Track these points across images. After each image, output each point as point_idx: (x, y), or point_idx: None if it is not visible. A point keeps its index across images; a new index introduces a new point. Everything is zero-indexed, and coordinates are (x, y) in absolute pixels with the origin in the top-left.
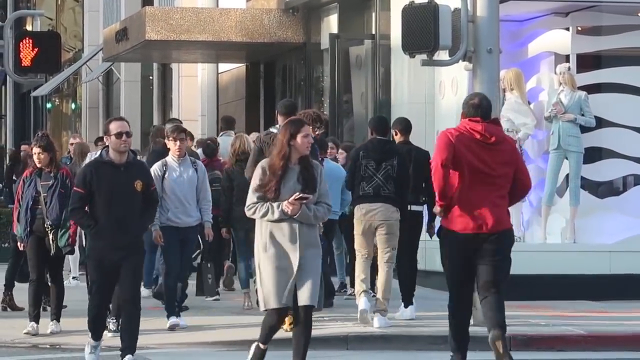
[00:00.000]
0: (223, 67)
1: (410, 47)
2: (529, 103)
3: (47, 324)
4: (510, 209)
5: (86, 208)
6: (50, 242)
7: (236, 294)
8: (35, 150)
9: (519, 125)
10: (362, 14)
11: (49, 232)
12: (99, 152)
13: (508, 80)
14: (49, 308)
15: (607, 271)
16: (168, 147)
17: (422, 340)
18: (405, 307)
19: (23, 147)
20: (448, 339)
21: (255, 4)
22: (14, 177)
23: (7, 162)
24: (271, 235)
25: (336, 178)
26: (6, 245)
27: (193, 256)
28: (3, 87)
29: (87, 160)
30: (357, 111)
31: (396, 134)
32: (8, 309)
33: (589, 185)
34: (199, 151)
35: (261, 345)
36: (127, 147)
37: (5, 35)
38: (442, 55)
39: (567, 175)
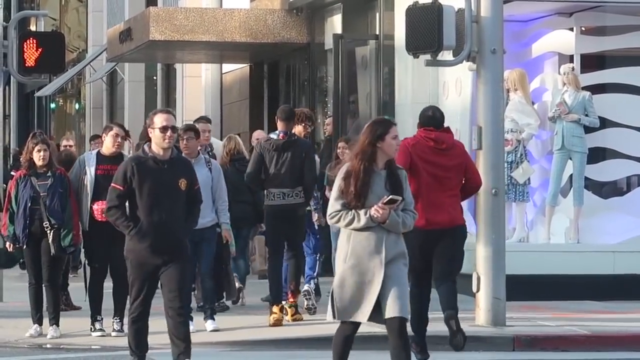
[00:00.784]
0: (227, 67)
1: (414, 47)
2: (533, 103)
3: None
4: (514, 210)
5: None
6: (50, 242)
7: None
8: (39, 147)
9: (523, 126)
10: (366, 14)
11: (48, 232)
12: (95, 151)
13: (512, 81)
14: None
15: (611, 271)
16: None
17: (430, 340)
18: None
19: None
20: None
21: (259, 4)
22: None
23: (10, 162)
24: (354, 246)
25: None
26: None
27: None
28: (7, 87)
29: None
30: (362, 111)
31: None
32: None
33: (592, 186)
34: None
35: None
36: (172, 142)
37: (9, 36)
38: (446, 55)
39: (571, 176)
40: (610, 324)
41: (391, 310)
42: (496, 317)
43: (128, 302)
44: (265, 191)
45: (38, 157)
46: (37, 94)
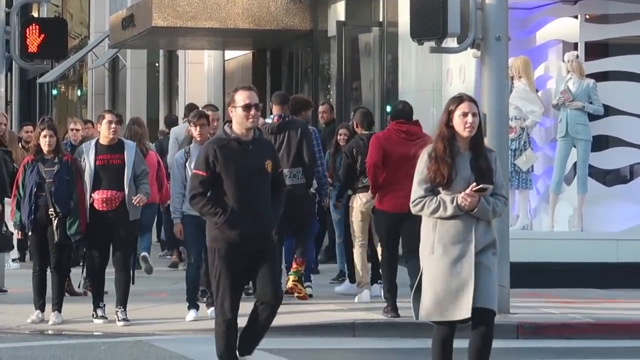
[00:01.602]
0: (229, 54)
1: (419, 34)
2: (537, 91)
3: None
4: (517, 197)
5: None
6: (54, 230)
7: None
8: (46, 133)
9: (527, 113)
10: (370, 1)
11: (53, 219)
12: (94, 141)
13: (516, 68)
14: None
15: (615, 259)
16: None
17: (430, 328)
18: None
19: (25, 127)
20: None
21: None
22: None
23: None
24: (441, 235)
25: None
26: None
27: None
28: (9, 74)
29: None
30: (365, 98)
31: (357, 126)
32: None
33: (596, 173)
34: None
35: None
36: (256, 121)
37: (12, 22)
38: (450, 42)
39: (575, 163)
40: (614, 312)
41: (479, 300)
42: (500, 304)
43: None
44: None
45: (44, 143)
46: (39, 80)
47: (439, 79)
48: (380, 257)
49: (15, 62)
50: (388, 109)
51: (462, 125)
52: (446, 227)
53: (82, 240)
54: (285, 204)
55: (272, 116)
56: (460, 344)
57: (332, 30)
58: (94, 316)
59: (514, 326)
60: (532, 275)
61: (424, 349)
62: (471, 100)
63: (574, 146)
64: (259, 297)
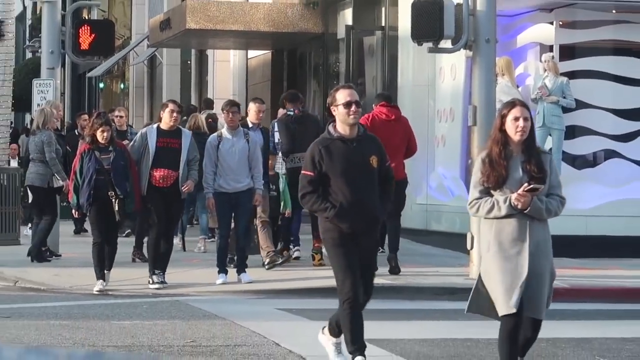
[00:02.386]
0: (252, 53)
1: (419, 36)
2: (518, 87)
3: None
4: None
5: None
6: (116, 210)
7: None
8: (103, 128)
9: None
10: (374, 8)
11: (113, 201)
12: (155, 125)
13: (500, 67)
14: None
15: (584, 233)
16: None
17: (428, 291)
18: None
19: (83, 116)
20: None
21: None
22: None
23: (65, 133)
24: (497, 234)
25: None
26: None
27: None
28: (62, 69)
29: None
30: (369, 92)
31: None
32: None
33: (568, 158)
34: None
35: None
36: (358, 118)
37: (66, 23)
38: (443, 44)
39: (550, 150)
40: (586, 279)
41: (528, 308)
42: None
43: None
44: (288, 156)
45: (101, 137)
46: (88, 74)
47: (433, 76)
48: None
49: (69, 58)
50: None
51: (513, 129)
52: (501, 226)
53: (134, 217)
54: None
55: (291, 110)
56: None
57: (341, 33)
58: (150, 282)
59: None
60: None
61: (422, 310)
62: (523, 105)
63: (550, 135)
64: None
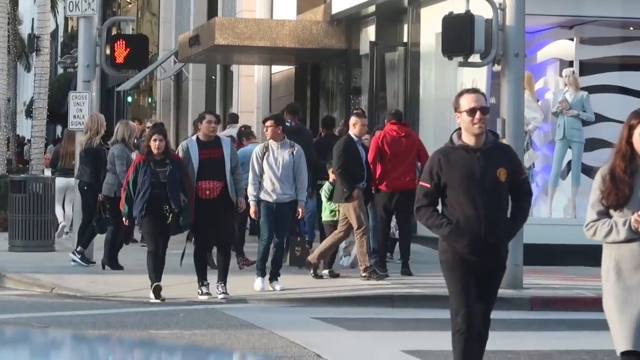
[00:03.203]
0: (275, 68)
1: (450, 50)
2: (538, 100)
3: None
4: None
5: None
6: (170, 224)
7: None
8: (156, 137)
9: (529, 119)
10: (396, 25)
11: (168, 214)
12: (194, 137)
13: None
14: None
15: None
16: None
17: None
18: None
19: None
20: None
21: (304, 16)
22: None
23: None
24: (616, 261)
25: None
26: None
27: None
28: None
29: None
30: (390, 105)
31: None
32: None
33: (588, 170)
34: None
35: None
36: (485, 126)
37: (102, 37)
38: (473, 58)
39: (570, 162)
40: None
41: None
42: (515, 281)
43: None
44: None
45: (154, 147)
46: (118, 88)
47: (454, 90)
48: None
49: (105, 70)
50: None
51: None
52: (622, 252)
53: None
54: None
55: (290, 121)
56: None
57: (363, 49)
58: (200, 293)
59: (528, 300)
60: (534, 255)
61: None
62: None
63: (570, 147)
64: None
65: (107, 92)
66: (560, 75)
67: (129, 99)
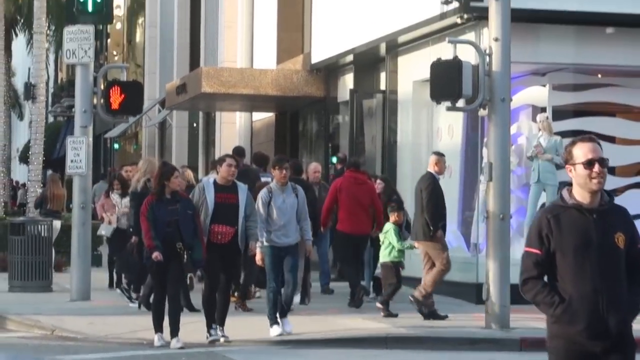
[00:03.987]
0: (256, 115)
1: (438, 95)
2: (511, 145)
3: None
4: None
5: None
6: (185, 261)
7: None
8: (176, 174)
9: None
10: (373, 73)
11: (181, 251)
12: (212, 179)
13: None
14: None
15: None
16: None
17: (450, 342)
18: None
19: (125, 167)
20: None
21: (284, 65)
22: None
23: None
24: None
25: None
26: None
27: None
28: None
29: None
30: (368, 149)
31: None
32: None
33: None
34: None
35: None
36: (603, 183)
37: (98, 84)
38: (459, 103)
39: (544, 203)
40: None
41: None
42: (502, 320)
43: None
44: None
45: (174, 184)
46: (105, 135)
47: (431, 135)
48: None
49: (101, 117)
50: (334, 159)
51: None
52: None
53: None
54: None
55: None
56: None
57: (341, 97)
58: (208, 337)
59: (517, 340)
60: (516, 294)
61: None
62: None
63: (544, 190)
64: None
65: (95, 139)
66: (533, 120)
67: (116, 145)
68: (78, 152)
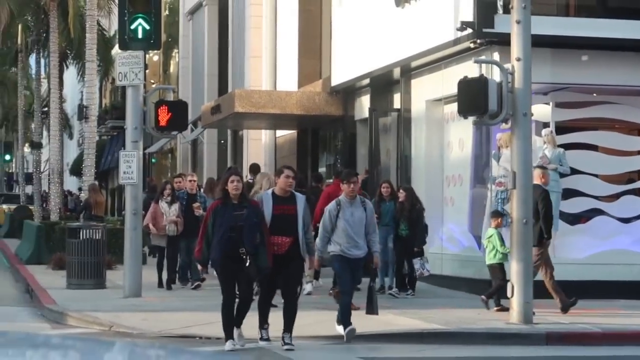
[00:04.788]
0: (280, 132)
1: (465, 110)
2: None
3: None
4: (505, 233)
5: None
6: (249, 267)
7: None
8: (233, 178)
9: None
10: (388, 94)
11: (244, 257)
12: (270, 191)
13: (504, 141)
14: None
15: (579, 278)
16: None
17: (480, 336)
18: None
19: (176, 179)
20: None
21: (305, 88)
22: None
23: (146, 190)
24: None
25: None
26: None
27: None
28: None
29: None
30: (383, 162)
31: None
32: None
33: (565, 216)
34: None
35: None
36: None
37: (148, 103)
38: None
39: None
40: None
41: None
42: (526, 316)
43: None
44: None
45: (232, 188)
46: (146, 151)
47: (442, 148)
48: None
49: (150, 133)
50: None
51: None
52: None
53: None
54: None
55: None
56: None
57: (358, 115)
58: (260, 338)
59: (544, 335)
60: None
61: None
62: None
63: None
64: None
65: None
66: (538, 134)
67: (153, 160)
68: (130, 164)
